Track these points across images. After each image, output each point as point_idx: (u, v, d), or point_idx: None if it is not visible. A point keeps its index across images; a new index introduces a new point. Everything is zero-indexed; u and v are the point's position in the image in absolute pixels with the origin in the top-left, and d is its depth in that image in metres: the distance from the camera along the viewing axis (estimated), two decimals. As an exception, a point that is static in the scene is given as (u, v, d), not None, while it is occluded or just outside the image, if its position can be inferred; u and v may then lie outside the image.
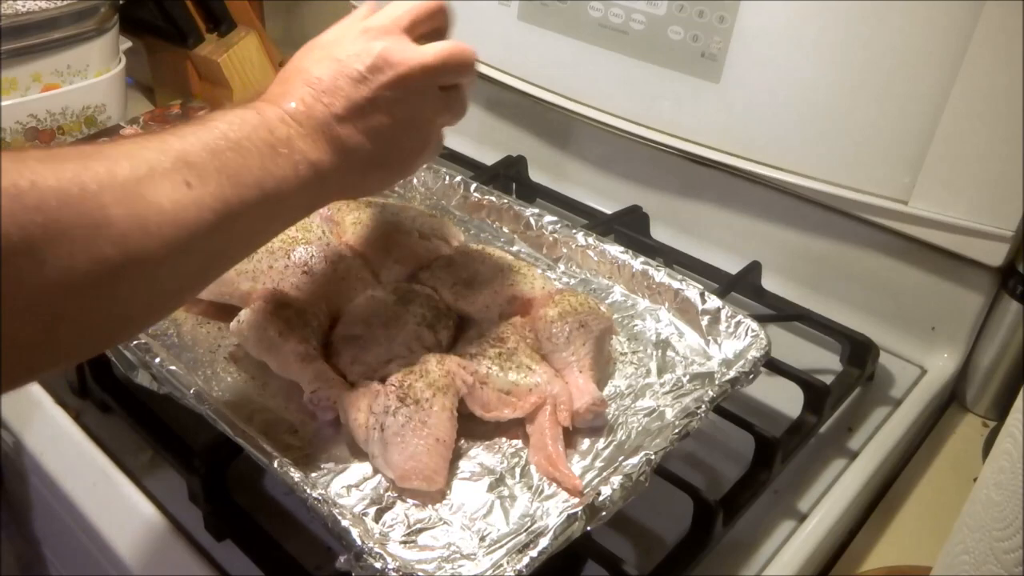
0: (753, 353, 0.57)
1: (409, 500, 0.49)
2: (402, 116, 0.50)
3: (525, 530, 0.47)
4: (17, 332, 0.34)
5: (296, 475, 0.47)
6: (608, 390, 0.58)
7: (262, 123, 0.45)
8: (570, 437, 0.53)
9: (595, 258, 0.69)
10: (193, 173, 0.40)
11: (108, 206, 0.36)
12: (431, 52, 0.50)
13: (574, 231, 0.70)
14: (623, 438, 0.54)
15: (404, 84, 0.49)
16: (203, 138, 0.42)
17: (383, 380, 0.53)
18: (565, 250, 0.70)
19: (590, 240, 0.69)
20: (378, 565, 0.42)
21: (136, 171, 0.38)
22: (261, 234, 0.47)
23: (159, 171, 0.39)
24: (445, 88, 0.52)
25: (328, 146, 0.47)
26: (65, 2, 0.89)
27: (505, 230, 0.74)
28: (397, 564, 0.42)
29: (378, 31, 0.49)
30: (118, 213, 0.36)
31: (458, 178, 0.77)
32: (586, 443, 0.54)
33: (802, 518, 0.57)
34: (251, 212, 0.43)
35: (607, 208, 0.84)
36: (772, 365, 0.61)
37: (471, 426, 0.54)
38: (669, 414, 0.55)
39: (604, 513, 0.46)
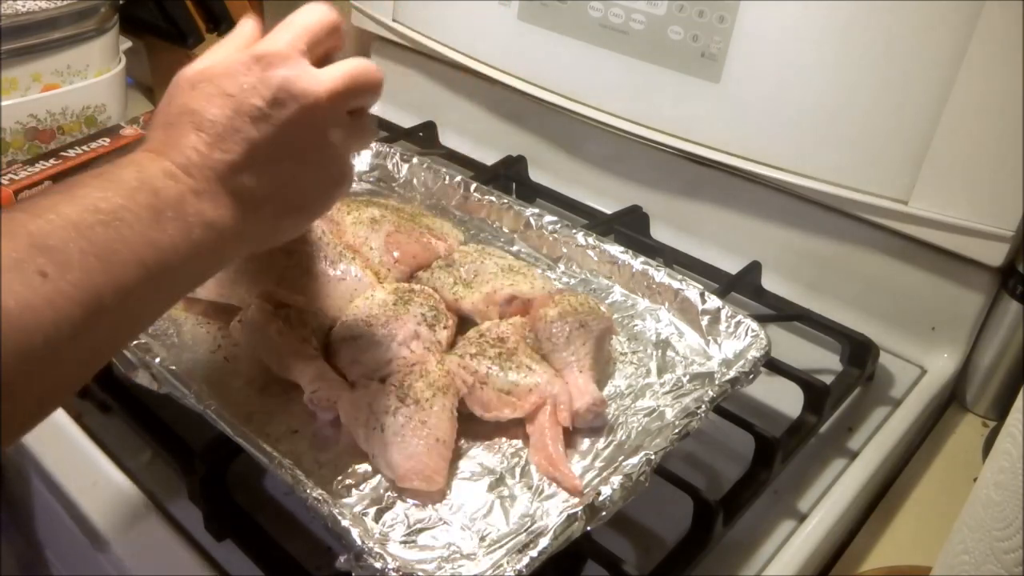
0: (753, 353, 0.57)
1: (409, 500, 0.49)
2: (312, 152, 0.44)
3: (525, 530, 0.47)
4: None
5: (296, 475, 0.47)
6: (608, 390, 0.58)
7: (142, 184, 0.38)
8: (570, 437, 0.53)
9: (595, 258, 0.69)
10: (50, 260, 0.33)
11: None
12: (338, 76, 0.44)
13: (574, 231, 0.70)
14: (623, 438, 0.54)
15: (311, 116, 0.43)
16: (65, 213, 0.35)
17: (383, 380, 0.53)
18: (565, 250, 0.70)
19: (590, 240, 0.69)
20: (378, 565, 0.42)
21: None
22: (150, 312, 0.41)
23: (4, 264, 0.32)
24: (351, 112, 0.46)
25: (229, 200, 0.41)
26: (65, 2, 0.89)
27: (505, 230, 0.74)
28: (397, 564, 0.42)
29: (273, 58, 0.43)
30: None
31: (458, 178, 0.77)
32: (586, 443, 0.54)
33: (802, 518, 0.57)
34: (132, 294, 0.37)
35: (607, 208, 0.84)
36: (772, 365, 0.61)
37: (471, 426, 0.54)
38: (669, 414, 0.55)
39: (604, 513, 0.46)
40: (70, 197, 0.36)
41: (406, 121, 0.99)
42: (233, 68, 0.42)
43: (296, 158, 0.44)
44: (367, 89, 0.46)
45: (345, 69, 0.45)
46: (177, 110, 0.42)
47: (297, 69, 0.43)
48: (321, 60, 0.45)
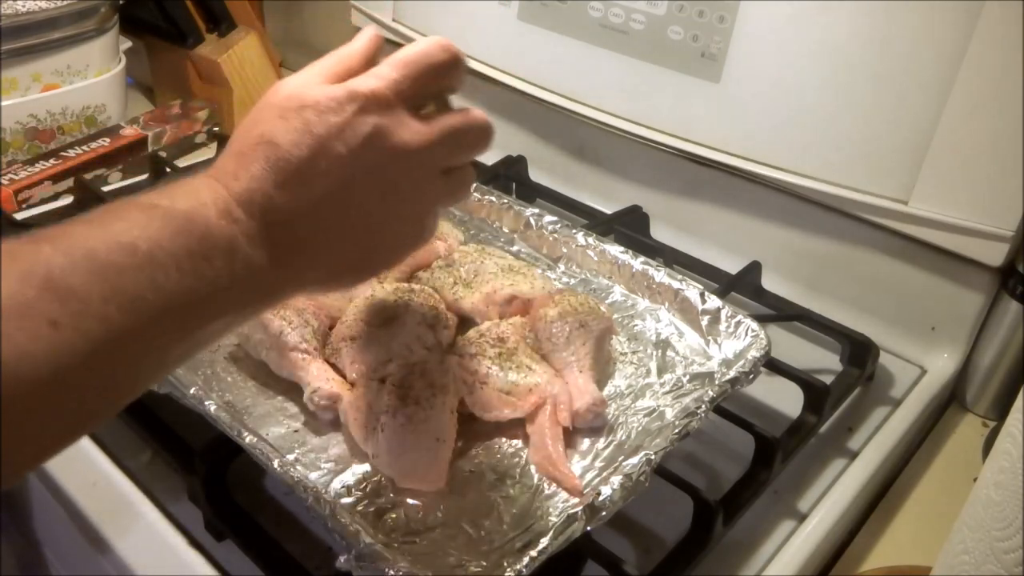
0: (753, 353, 0.57)
1: (409, 500, 0.49)
2: (391, 207, 0.40)
3: (525, 530, 0.47)
4: None
5: (296, 475, 0.47)
6: (608, 390, 0.58)
7: (192, 222, 0.34)
8: (570, 437, 0.53)
9: (595, 258, 0.69)
10: (64, 308, 0.30)
11: None
12: (436, 133, 0.40)
13: (574, 231, 0.70)
14: (623, 438, 0.54)
15: (397, 172, 0.39)
16: (96, 251, 0.32)
17: (383, 380, 0.53)
18: (565, 250, 0.70)
19: (590, 240, 0.69)
20: (378, 565, 0.42)
21: None
22: (173, 358, 0.37)
23: (11, 308, 0.29)
24: (448, 169, 0.42)
25: (288, 251, 0.37)
26: (65, 2, 0.89)
27: (505, 230, 0.74)
28: (397, 564, 0.42)
29: (370, 100, 0.38)
30: None
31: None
32: (586, 443, 0.54)
33: (802, 518, 0.57)
34: (155, 342, 0.34)
35: (607, 208, 0.84)
36: (772, 365, 0.61)
37: (471, 426, 0.54)
38: (669, 414, 0.55)
39: (604, 513, 0.46)
40: (107, 230, 0.33)
41: (406, 121, 0.99)
42: (325, 103, 0.38)
43: (373, 211, 0.39)
44: (469, 146, 0.42)
45: (447, 125, 0.40)
46: (255, 137, 0.38)
47: (393, 118, 0.39)
48: (432, 97, 0.42)
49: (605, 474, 0.50)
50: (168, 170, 0.87)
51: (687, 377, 0.59)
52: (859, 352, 0.68)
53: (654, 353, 0.61)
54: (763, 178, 0.73)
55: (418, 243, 0.45)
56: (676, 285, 0.64)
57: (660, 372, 0.59)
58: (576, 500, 0.48)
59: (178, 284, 0.33)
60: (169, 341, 0.35)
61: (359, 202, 0.39)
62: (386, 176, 0.39)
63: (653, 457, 0.48)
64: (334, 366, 0.56)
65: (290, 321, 0.57)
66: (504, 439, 0.54)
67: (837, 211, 0.71)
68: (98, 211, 0.34)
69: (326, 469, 0.51)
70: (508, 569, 0.43)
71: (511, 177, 0.89)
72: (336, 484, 0.50)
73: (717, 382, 0.55)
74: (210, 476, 0.52)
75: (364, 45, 0.42)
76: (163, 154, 0.92)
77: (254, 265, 0.36)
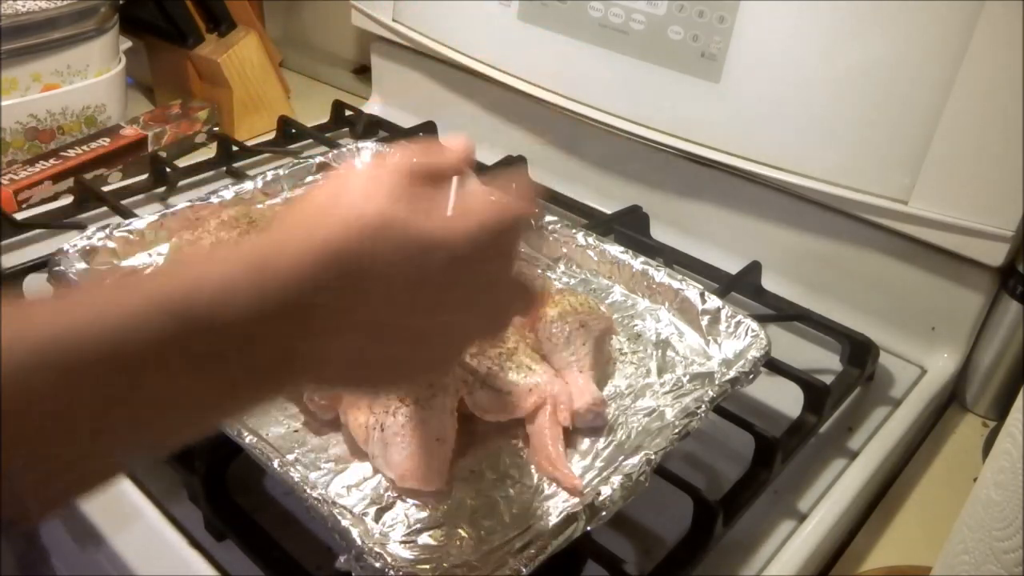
0: (753, 353, 0.57)
1: (409, 500, 0.49)
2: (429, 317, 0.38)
3: (525, 530, 0.47)
4: None
5: (296, 475, 0.47)
6: (608, 390, 0.58)
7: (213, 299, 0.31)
8: (570, 437, 0.53)
9: (595, 258, 0.69)
10: (54, 375, 0.28)
11: None
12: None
13: (574, 231, 0.70)
14: (623, 438, 0.54)
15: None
16: (111, 320, 0.29)
17: (383, 380, 0.53)
18: (565, 250, 0.70)
19: (590, 240, 0.69)
20: (378, 565, 0.42)
21: None
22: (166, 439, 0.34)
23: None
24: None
25: (315, 332, 0.34)
26: (65, 2, 0.89)
27: (505, 230, 0.74)
28: (397, 564, 0.42)
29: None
30: None
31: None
32: (586, 443, 0.54)
33: (802, 518, 0.57)
34: (143, 424, 0.31)
35: (607, 208, 0.84)
36: (772, 365, 0.61)
37: (471, 426, 0.54)
38: (669, 414, 0.55)
39: (604, 513, 0.46)
40: (126, 292, 0.31)
41: (406, 121, 0.99)
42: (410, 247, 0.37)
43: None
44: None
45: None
46: (327, 241, 0.35)
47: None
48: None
49: (605, 474, 0.50)
50: (168, 170, 0.87)
51: (687, 377, 0.59)
52: (859, 352, 0.68)
53: (654, 353, 0.61)
54: (763, 178, 0.73)
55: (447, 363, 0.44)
56: (676, 285, 0.64)
57: (660, 372, 0.59)
58: (576, 500, 0.48)
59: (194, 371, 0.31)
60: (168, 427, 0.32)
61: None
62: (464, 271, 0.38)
63: (653, 457, 0.48)
64: (334, 366, 0.56)
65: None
66: (504, 439, 0.54)
67: (837, 211, 0.71)
68: (127, 275, 0.33)
69: (326, 469, 0.51)
70: (508, 569, 0.43)
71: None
72: (336, 484, 0.50)
73: (717, 382, 0.55)
74: (210, 476, 0.52)
75: (455, 153, 0.41)
76: (163, 154, 0.92)
77: (297, 352, 0.34)
